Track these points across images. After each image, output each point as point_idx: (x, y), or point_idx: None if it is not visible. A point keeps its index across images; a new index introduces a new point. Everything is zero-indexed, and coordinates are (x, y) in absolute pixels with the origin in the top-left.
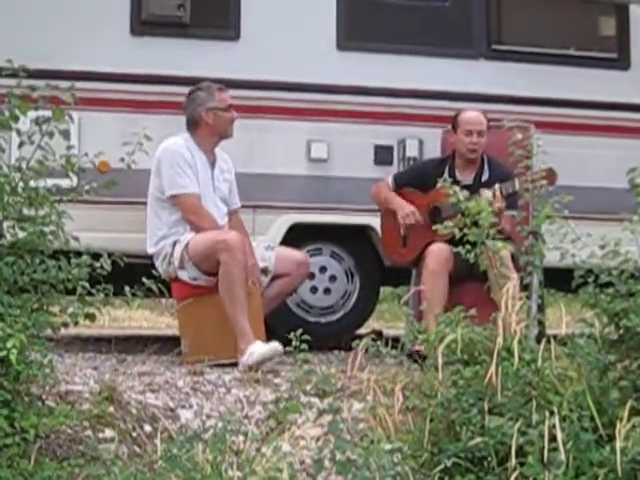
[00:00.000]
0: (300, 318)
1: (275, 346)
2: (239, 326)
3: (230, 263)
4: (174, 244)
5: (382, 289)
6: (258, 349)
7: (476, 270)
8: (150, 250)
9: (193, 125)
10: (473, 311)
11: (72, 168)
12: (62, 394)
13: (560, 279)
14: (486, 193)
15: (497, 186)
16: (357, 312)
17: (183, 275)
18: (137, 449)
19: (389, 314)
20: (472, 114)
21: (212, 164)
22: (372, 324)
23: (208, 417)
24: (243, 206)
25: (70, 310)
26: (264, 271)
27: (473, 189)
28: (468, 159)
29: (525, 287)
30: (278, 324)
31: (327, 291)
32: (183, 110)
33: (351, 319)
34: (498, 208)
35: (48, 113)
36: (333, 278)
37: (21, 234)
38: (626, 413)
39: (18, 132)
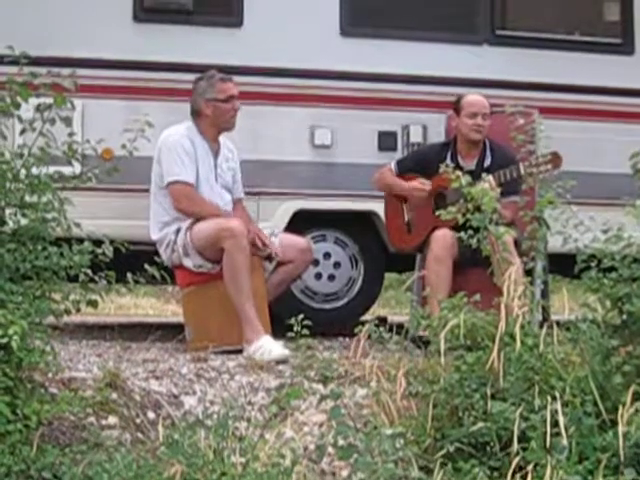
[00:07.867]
0: (304, 304)
1: (285, 353)
2: (245, 314)
3: (234, 251)
4: (177, 231)
5: (387, 275)
6: (268, 348)
7: (480, 256)
8: (154, 236)
9: (195, 114)
10: (477, 297)
11: (74, 155)
12: (65, 381)
13: (565, 265)
14: (484, 180)
15: (496, 173)
16: (361, 298)
17: (187, 262)
18: (140, 436)
19: (395, 301)
20: (476, 97)
21: (215, 153)
22: (378, 311)
23: (212, 403)
24: (247, 193)
25: (72, 297)
26: (268, 258)
27: (476, 174)
28: (472, 140)
29: (529, 272)
30: (282, 311)
31: (331, 277)
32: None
33: (355, 305)
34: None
35: (50, 100)
36: (337, 264)
37: (23, 221)
38: (629, 398)
39: (20, 119)
